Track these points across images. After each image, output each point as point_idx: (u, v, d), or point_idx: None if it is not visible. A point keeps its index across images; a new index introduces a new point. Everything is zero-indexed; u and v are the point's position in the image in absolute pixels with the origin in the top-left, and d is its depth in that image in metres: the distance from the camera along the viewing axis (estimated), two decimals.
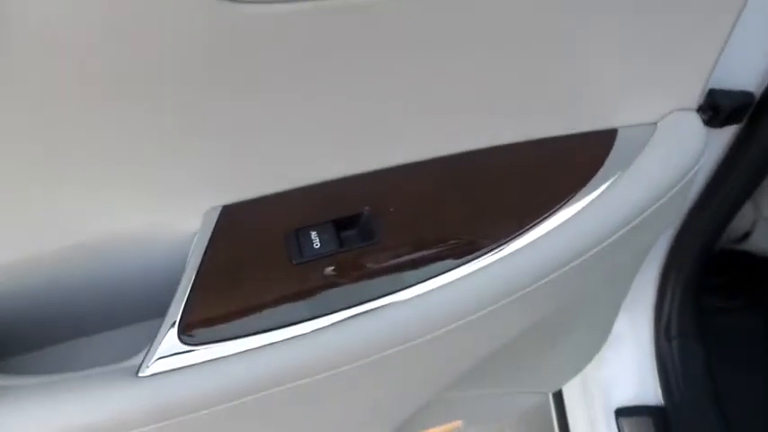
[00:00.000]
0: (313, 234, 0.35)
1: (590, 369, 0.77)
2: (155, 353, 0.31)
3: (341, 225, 0.36)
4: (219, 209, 0.36)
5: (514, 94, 0.36)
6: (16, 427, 0.29)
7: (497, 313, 0.36)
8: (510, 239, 0.35)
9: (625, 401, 0.75)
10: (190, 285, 0.33)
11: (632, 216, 0.37)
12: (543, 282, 0.36)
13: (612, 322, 0.65)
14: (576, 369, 0.68)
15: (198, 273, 0.33)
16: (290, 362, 0.32)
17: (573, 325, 0.58)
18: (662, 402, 0.74)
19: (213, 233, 0.35)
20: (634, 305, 0.76)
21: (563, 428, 0.81)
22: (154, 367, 0.31)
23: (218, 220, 0.35)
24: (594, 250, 0.37)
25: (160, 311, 0.37)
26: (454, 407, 0.63)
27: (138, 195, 0.34)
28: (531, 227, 0.36)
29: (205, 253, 0.34)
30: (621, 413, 0.74)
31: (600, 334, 0.65)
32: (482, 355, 0.42)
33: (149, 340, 0.32)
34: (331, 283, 0.34)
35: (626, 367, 0.76)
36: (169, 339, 0.31)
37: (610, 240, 0.37)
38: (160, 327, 0.32)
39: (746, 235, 0.87)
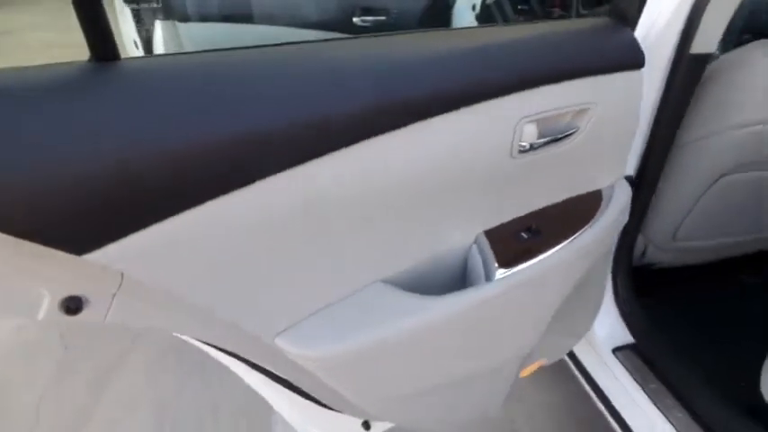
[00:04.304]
0: (522, 233, 0.96)
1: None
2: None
3: (527, 230, 0.97)
4: (482, 232, 0.95)
5: (558, 187, 1.01)
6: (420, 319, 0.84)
7: (567, 268, 0.97)
8: (567, 241, 0.98)
9: (614, 343, 1.36)
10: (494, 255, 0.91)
11: (614, 225, 1.02)
12: (582, 255, 0.98)
13: (602, 295, 1.28)
14: (592, 320, 1.29)
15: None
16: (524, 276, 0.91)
17: (588, 291, 1.19)
18: (633, 341, 1.36)
19: (486, 237, 0.94)
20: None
21: (578, 367, 1.39)
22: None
23: (485, 234, 0.95)
24: (593, 244, 1.00)
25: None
26: (542, 348, 1.20)
27: (460, 232, 0.92)
28: (572, 239, 0.99)
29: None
30: (615, 350, 1.35)
31: (598, 301, 1.28)
32: (565, 295, 1.02)
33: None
34: (533, 244, 0.94)
35: (607, 323, 1.37)
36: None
37: (598, 240, 1.01)
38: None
39: (643, 254, 1.58)
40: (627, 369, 1.29)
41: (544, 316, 1.02)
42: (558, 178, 0.98)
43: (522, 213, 0.97)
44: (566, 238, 0.96)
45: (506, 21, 2.11)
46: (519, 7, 2.09)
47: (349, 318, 0.80)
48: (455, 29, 0.85)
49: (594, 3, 1.92)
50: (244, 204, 0.64)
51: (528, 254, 0.93)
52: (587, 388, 1.35)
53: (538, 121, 0.86)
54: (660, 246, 1.52)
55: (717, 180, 1.32)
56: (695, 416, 1.16)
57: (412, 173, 0.77)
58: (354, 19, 1.87)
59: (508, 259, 0.91)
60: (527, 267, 0.91)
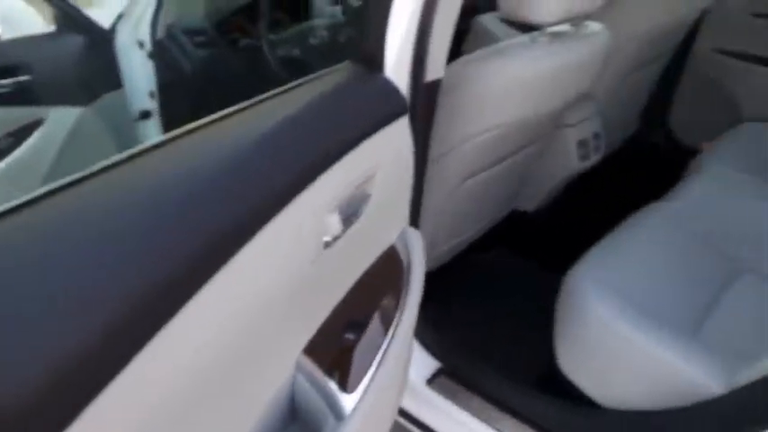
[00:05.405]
0: (346, 335, 0.78)
1: None
2: None
3: (348, 328, 0.80)
4: (301, 353, 0.75)
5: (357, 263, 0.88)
6: None
7: (406, 340, 0.86)
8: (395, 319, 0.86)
9: (425, 375, 1.32)
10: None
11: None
12: (409, 322, 0.87)
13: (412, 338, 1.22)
14: (409, 368, 1.22)
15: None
16: None
17: None
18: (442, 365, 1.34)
19: (309, 358, 0.74)
20: None
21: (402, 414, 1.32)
22: None
23: (306, 355, 0.74)
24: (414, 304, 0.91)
25: None
26: None
27: (280, 369, 0.70)
28: (399, 313, 0.87)
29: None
30: (429, 382, 1.31)
31: (411, 345, 1.21)
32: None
33: None
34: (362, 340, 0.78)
35: (413, 360, 1.33)
36: None
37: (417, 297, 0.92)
38: None
39: None
40: (445, 396, 1.27)
41: (398, 395, 0.89)
42: (356, 254, 0.84)
43: (330, 310, 0.80)
44: (388, 313, 0.84)
45: (186, 54, 1.86)
46: (195, 39, 1.86)
47: None
48: (188, 128, 0.61)
49: (280, 26, 1.82)
50: None
51: (365, 355, 0.77)
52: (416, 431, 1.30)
53: (336, 207, 0.70)
54: None
55: (459, 186, 1.37)
56: (520, 416, 1.20)
57: (216, 334, 0.54)
58: None
59: (347, 376, 0.74)
60: (377, 372, 0.75)
